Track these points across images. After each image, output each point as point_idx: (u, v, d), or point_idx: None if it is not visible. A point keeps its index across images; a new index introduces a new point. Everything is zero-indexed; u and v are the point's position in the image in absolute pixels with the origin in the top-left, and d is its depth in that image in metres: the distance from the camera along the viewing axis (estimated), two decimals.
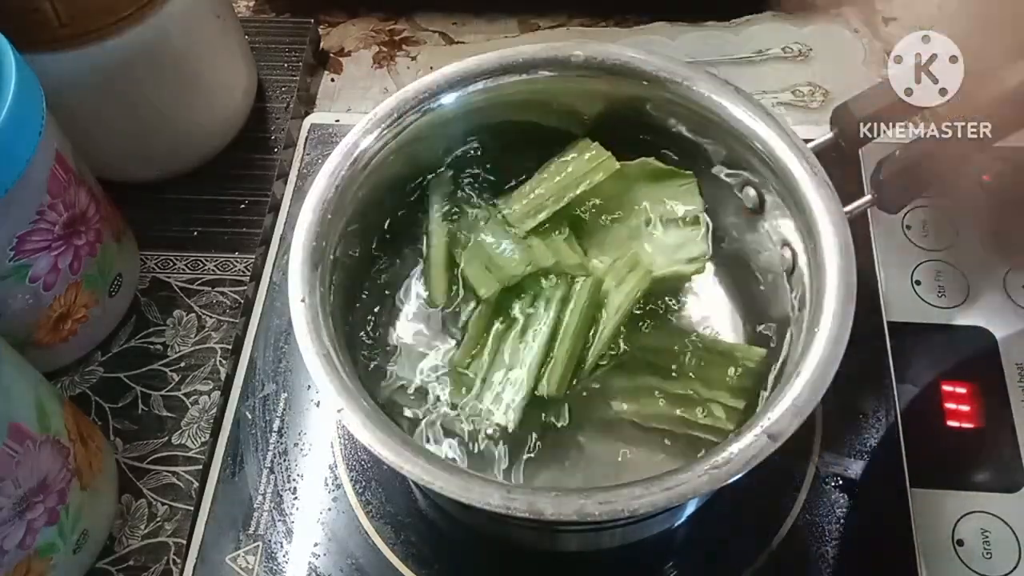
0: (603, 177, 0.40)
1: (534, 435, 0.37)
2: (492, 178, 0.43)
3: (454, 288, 0.40)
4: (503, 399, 0.36)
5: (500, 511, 0.28)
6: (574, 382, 0.37)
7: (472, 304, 0.39)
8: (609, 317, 0.37)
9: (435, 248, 0.40)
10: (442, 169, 0.42)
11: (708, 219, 0.41)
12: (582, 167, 0.40)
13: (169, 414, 0.46)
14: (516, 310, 0.38)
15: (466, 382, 0.37)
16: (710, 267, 0.41)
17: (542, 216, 0.40)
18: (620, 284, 0.38)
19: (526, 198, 0.40)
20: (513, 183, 0.42)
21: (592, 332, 0.37)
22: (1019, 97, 0.35)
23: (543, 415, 0.37)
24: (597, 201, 0.40)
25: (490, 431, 0.36)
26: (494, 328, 0.38)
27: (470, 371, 0.37)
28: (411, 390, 0.38)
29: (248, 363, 0.46)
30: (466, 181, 0.43)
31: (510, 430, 0.35)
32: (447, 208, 0.42)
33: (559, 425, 0.37)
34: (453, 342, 0.39)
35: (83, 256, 0.43)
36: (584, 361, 0.37)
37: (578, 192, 0.40)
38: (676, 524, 0.40)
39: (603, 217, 0.41)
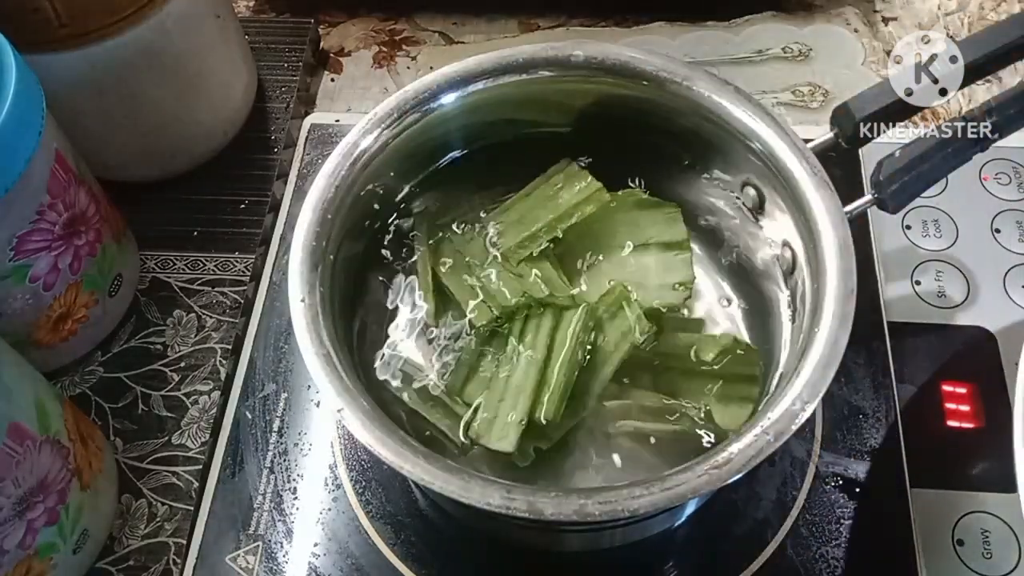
0: (594, 209, 0.40)
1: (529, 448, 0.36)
2: (482, 189, 0.43)
3: (446, 312, 0.39)
4: (499, 424, 0.35)
5: (500, 511, 0.28)
6: (573, 414, 0.37)
7: (463, 324, 0.39)
8: (608, 361, 0.37)
9: (423, 274, 0.40)
10: (417, 192, 0.42)
11: (693, 246, 0.41)
12: (573, 198, 0.40)
13: (169, 414, 0.46)
14: (507, 335, 0.38)
15: (459, 408, 0.37)
16: (708, 268, 0.41)
17: (534, 249, 0.39)
18: (614, 318, 0.38)
19: (517, 228, 0.40)
20: (502, 196, 0.42)
21: (585, 359, 0.37)
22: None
23: (538, 434, 0.36)
24: (584, 226, 0.40)
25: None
26: (487, 353, 0.38)
27: (464, 396, 0.37)
28: (409, 399, 0.38)
29: (248, 363, 0.46)
30: (454, 199, 0.42)
31: (509, 452, 0.35)
32: (435, 231, 0.42)
33: (550, 445, 0.37)
34: (448, 356, 0.39)
35: (83, 256, 0.43)
36: (584, 394, 0.37)
37: (569, 223, 0.40)
38: (676, 524, 0.40)
39: (589, 242, 0.41)
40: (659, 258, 0.40)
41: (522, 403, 0.35)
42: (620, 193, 0.41)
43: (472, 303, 0.39)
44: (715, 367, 0.37)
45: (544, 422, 0.35)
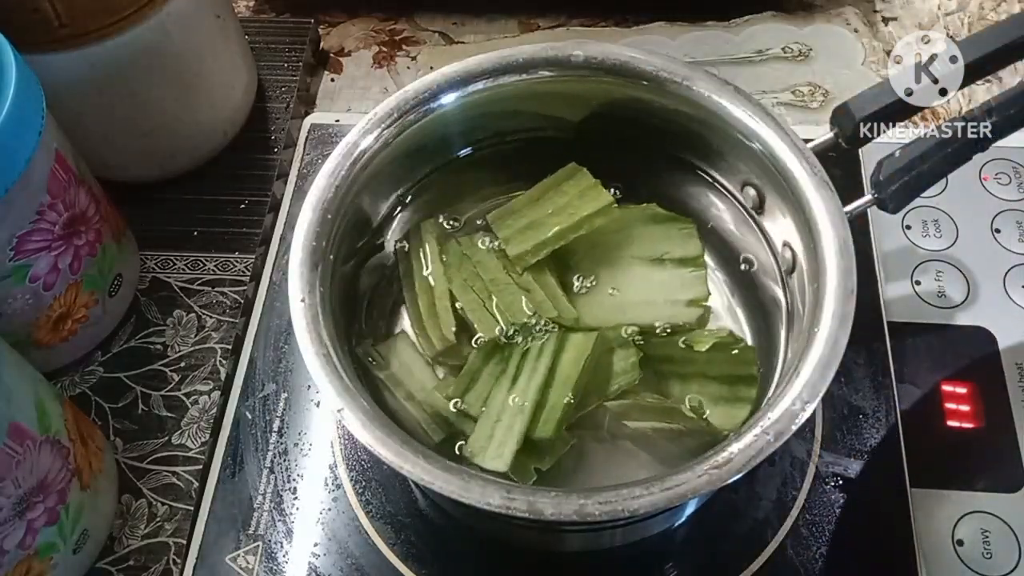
0: (604, 222, 0.39)
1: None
2: (483, 189, 0.43)
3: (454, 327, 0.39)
4: (494, 444, 0.35)
5: (500, 511, 0.28)
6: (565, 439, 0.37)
7: (465, 337, 0.39)
8: (600, 392, 0.37)
9: (438, 285, 0.40)
10: (418, 192, 0.42)
11: (708, 262, 0.41)
12: (584, 210, 0.39)
13: (169, 414, 0.46)
14: (509, 350, 0.38)
15: (458, 418, 0.37)
16: (708, 267, 0.41)
17: (543, 255, 0.39)
18: (615, 351, 0.38)
19: (525, 234, 0.40)
20: (504, 196, 0.42)
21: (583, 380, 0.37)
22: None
23: (536, 455, 0.36)
24: (597, 237, 0.40)
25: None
26: (488, 365, 0.38)
27: (463, 405, 0.37)
28: (409, 403, 0.38)
29: (248, 363, 0.46)
30: (455, 199, 0.42)
31: (503, 471, 0.35)
32: (439, 232, 0.41)
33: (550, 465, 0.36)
34: (447, 364, 0.39)
35: (83, 256, 0.43)
36: (583, 407, 0.37)
37: (579, 233, 0.39)
38: (676, 524, 0.40)
39: (600, 253, 0.41)
40: (673, 274, 0.40)
41: (519, 423, 0.35)
42: (636, 207, 0.41)
43: (481, 316, 0.38)
44: (711, 367, 0.37)
45: (540, 438, 0.35)
